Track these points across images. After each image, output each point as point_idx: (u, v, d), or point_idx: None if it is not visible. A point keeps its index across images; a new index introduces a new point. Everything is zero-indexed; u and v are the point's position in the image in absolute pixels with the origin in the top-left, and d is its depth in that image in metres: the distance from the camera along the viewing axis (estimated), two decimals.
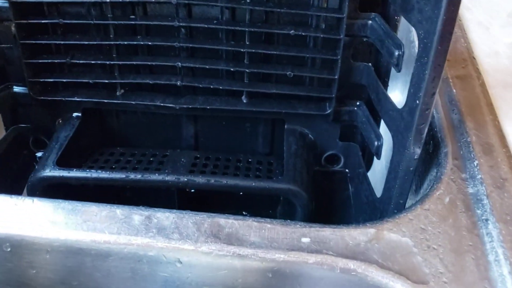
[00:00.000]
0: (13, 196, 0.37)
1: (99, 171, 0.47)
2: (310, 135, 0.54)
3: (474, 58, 0.50)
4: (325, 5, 0.46)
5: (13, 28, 0.47)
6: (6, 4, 0.46)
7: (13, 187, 0.55)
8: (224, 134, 0.56)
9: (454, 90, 0.46)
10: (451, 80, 0.47)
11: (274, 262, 0.34)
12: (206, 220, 0.35)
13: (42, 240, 0.34)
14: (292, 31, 0.46)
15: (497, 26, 0.54)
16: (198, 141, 0.57)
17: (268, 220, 0.36)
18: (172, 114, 0.53)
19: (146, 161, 0.51)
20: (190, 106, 0.51)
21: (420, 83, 0.36)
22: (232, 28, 0.47)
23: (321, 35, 0.46)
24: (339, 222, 0.55)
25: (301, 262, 0.34)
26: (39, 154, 0.57)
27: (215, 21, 0.47)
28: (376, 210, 0.47)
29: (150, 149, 0.54)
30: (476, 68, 0.48)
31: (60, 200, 0.37)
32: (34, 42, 0.48)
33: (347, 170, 0.57)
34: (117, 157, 0.52)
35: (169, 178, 0.47)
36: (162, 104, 0.51)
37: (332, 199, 0.56)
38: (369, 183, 0.50)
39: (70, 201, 0.36)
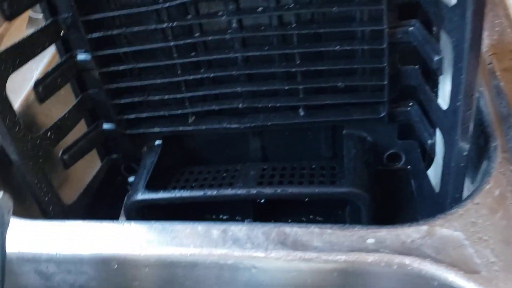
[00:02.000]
0: (115, 221, 0.45)
1: (182, 190, 0.54)
2: (368, 137, 0.58)
3: None
4: (367, 18, 0.49)
5: (97, 76, 0.55)
6: (90, 57, 0.54)
7: (112, 208, 0.64)
8: (288, 143, 0.61)
9: (502, 83, 0.47)
10: (499, 73, 0.48)
11: (337, 263, 0.38)
12: (273, 229, 0.40)
13: (141, 257, 0.41)
14: (338, 46, 0.50)
15: None
16: (265, 152, 0.62)
17: (329, 225, 0.40)
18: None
19: (220, 176, 0.58)
20: (253, 125, 0.56)
21: (458, 87, 0.39)
22: (283, 51, 0.52)
23: (366, 47, 0.50)
24: (405, 217, 0.58)
25: (361, 261, 0.38)
26: (130, 178, 0.65)
27: (266, 47, 0.52)
28: (437, 205, 0.49)
29: (223, 164, 0.60)
30: None
31: (152, 222, 0.43)
32: (116, 86, 0.56)
33: (409, 167, 0.59)
34: (195, 175, 0.59)
35: (240, 191, 0.53)
36: (228, 126, 0.57)
37: (397, 195, 0.59)
38: (428, 179, 0.52)
39: (160, 222, 0.43)
